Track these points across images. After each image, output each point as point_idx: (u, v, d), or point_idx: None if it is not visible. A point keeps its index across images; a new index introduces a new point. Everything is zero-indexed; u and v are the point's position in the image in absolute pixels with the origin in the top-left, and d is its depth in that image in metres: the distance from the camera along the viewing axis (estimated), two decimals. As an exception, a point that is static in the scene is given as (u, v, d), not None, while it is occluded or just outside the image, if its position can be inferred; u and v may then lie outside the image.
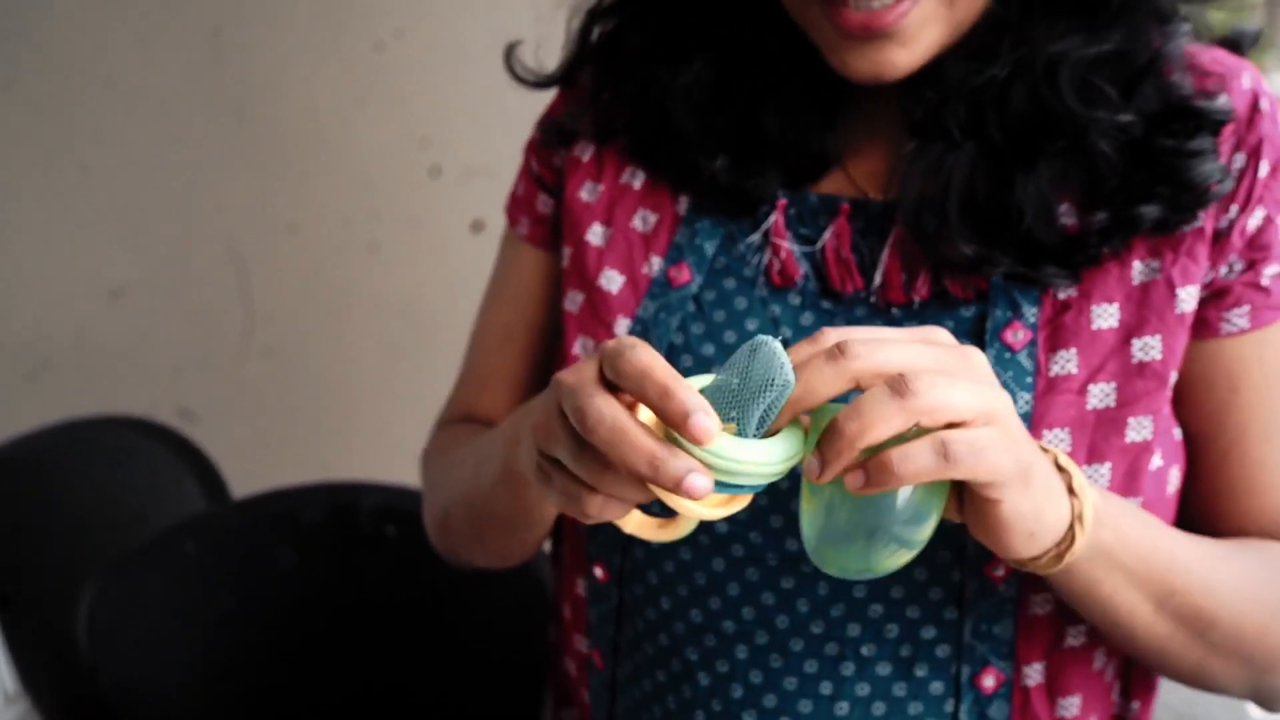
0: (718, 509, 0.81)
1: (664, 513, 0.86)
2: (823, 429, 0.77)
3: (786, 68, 1.08)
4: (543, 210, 1.27)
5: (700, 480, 0.73)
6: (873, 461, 0.75)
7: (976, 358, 0.81)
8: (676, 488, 0.74)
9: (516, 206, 1.32)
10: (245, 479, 3.28)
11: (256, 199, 3.20)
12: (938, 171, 1.02)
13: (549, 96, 1.39)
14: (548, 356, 1.25)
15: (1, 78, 3.16)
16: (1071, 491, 0.86)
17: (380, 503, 2.02)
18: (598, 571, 1.12)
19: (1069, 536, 0.86)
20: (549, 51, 1.33)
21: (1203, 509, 1.06)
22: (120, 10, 3.13)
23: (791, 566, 1.01)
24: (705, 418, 0.73)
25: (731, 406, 0.76)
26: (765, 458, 0.76)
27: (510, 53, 1.33)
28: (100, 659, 1.85)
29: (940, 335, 0.82)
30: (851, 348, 0.76)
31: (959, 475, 0.77)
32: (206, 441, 3.27)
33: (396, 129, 3.15)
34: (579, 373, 0.79)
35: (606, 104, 1.19)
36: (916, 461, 0.75)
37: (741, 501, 0.82)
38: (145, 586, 1.94)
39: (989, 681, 1.00)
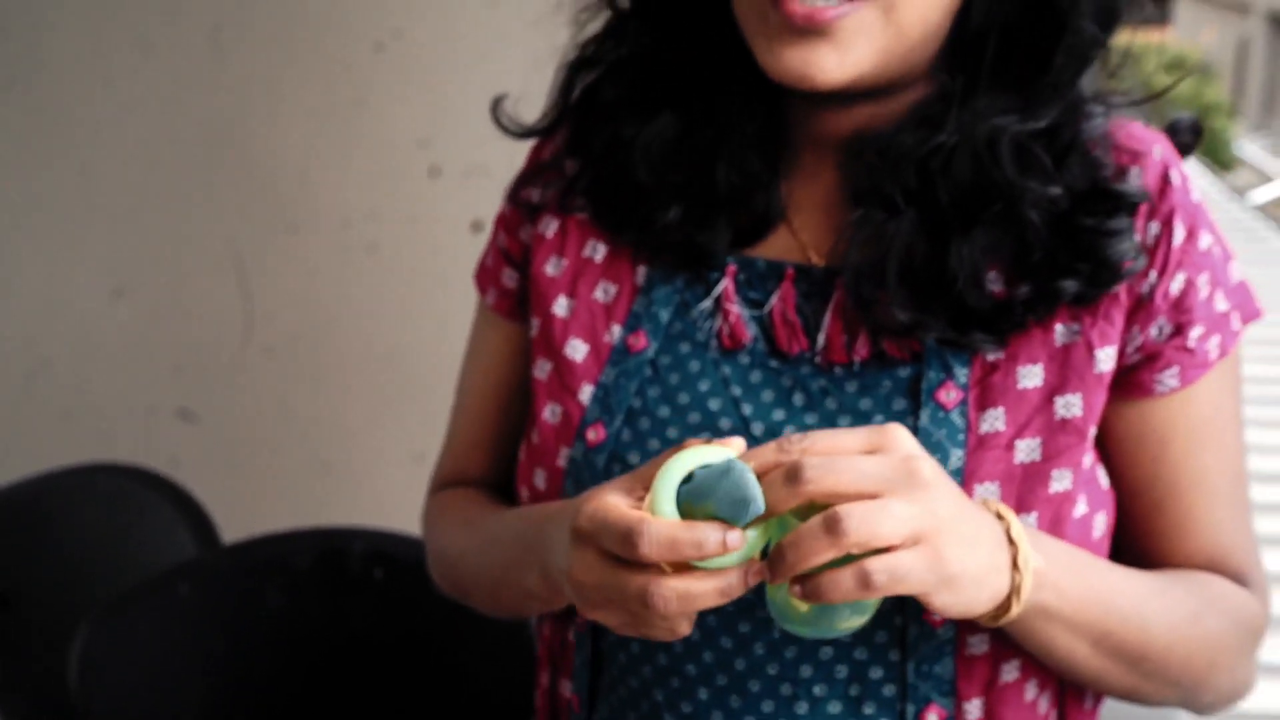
0: None
1: None
2: (774, 540, 0.92)
3: (740, 119, 1.16)
4: (508, 284, 1.34)
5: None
6: (809, 583, 0.89)
7: (925, 468, 0.91)
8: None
9: (485, 277, 1.39)
10: (247, 477, 3.31)
11: (256, 199, 3.19)
12: (879, 239, 1.10)
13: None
14: (524, 414, 1.31)
15: (1, 78, 3.16)
16: (1015, 566, 0.96)
17: (369, 547, 2.12)
18: (578, 621, 1.21)
19: (1006, 604, 0.97)
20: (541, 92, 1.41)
21: (1139, 550, 1.16)
22: (120, 10, 3.13)
23: (748, 613, 1.10)
24: (712, 543, 0.88)
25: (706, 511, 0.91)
26: (734, 558, 0.91)
27: (496, 105, 1.41)
28: (91, 701, 1.87)
29: (894, 438, 0.93)
30: (805, 472, 0.88)
31: (882, 595, 0.89)
32: (206, 442, 3.30)
33: (396, 129, 3.14)
34: (617, 579, 0.93)
35: (573, 176, 1.26)
36: (841, 587, 0.88)
37: None
38: (137, 628, 1.96)
39: (933, 718, 1.08)
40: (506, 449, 1.36)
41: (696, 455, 0.93)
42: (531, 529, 1.14)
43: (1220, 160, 22.81)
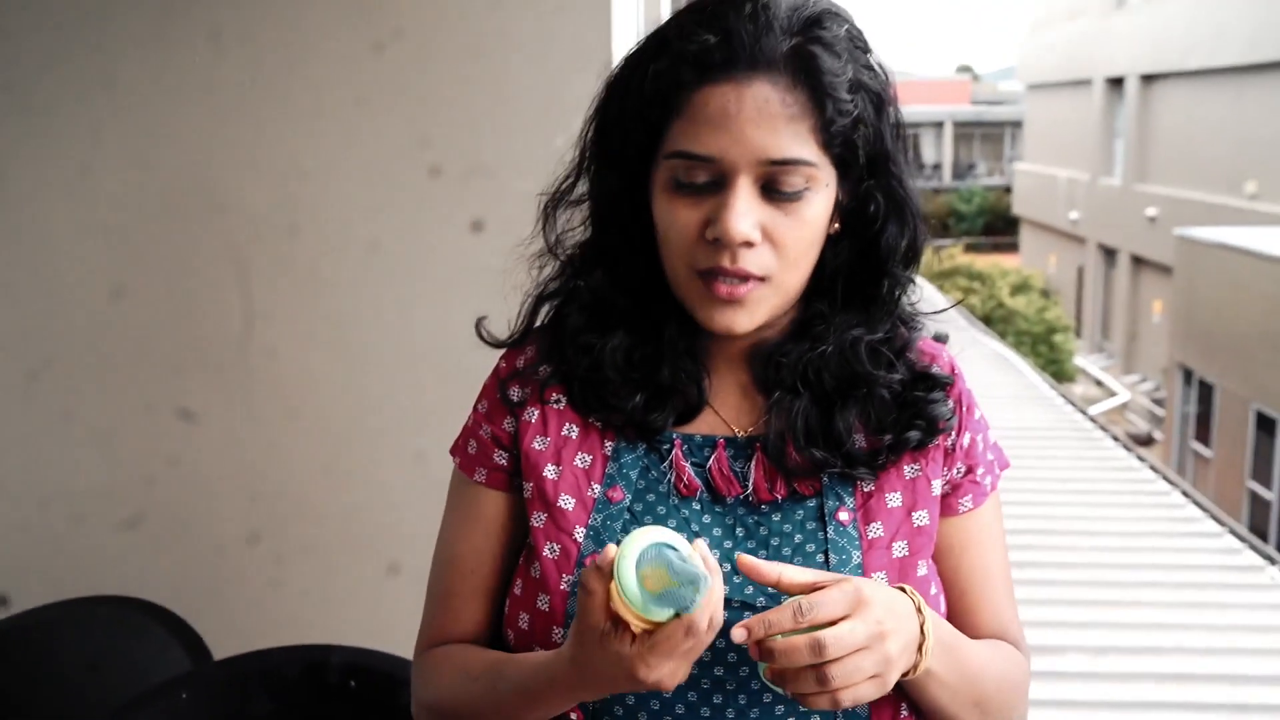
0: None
1: None
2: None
3: (675, 337, 1.62)
4: (499, 462, 1.68)
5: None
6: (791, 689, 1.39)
7: (892, 647, 1.39)
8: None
9: (470, 461, 1.70)
10: (245, 480, 3.31)
11: (256, 199, 3.20)
12: (787, 414, 1.58)
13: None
14: (508, 569, 1.68)
15: (1, 78, 3.16)
16: (920, 650, 1.44)
17: (346, 660, 2.45)
18: (573, 716, 1.57)
19: (910, 672, 1.45)
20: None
21: (954, 622, 1.61)
22: (120, 10, 3.13)
23: (719, 686, 1.53)
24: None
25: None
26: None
27: (479, 324, 1.73)
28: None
29: (868, 605, 1.38)
30: (827, 650, 1.34)
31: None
32: (205, 443, 3.30)
33: (396, 129, 3.15)
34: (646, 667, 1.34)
35: (546, 376, 1.66)
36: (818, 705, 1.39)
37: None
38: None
39: None
40: (488, 611, 1.69)
41: (653, 533, 1.33)
42: (567, 652, 1.45)
43: (1062, 374, 23.91)
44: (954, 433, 1.62)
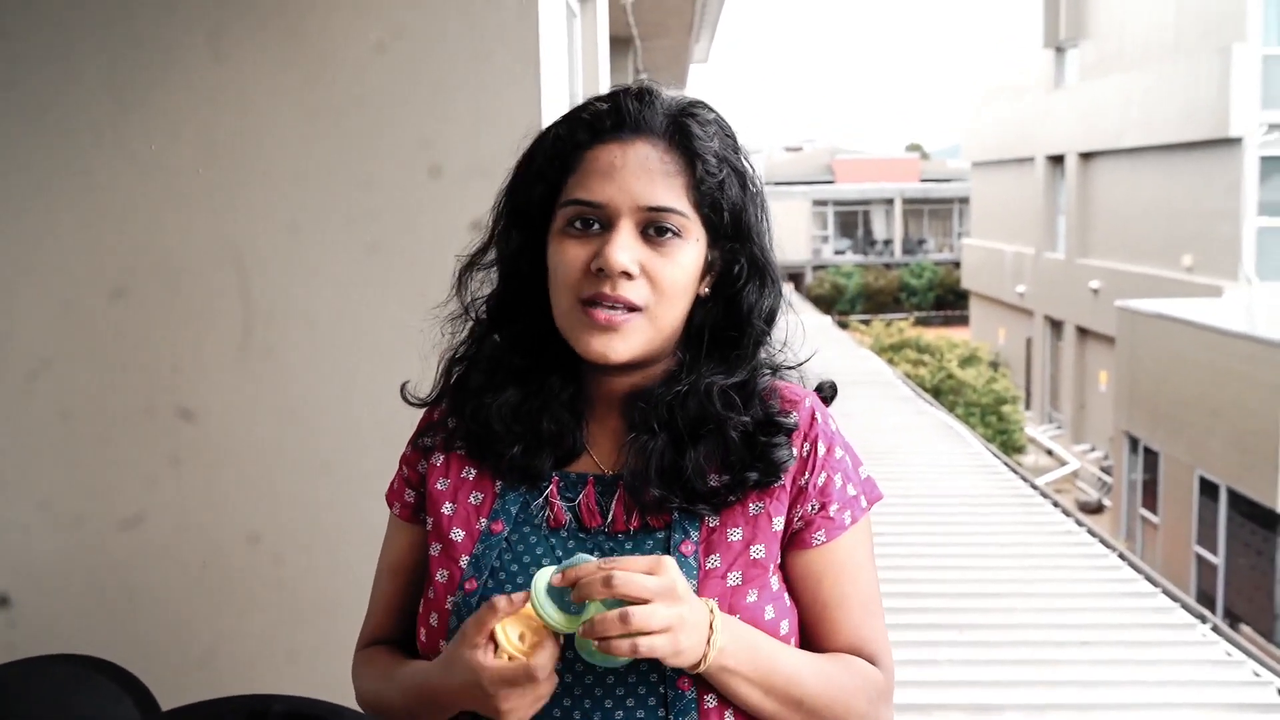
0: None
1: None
2: (588, 613, 1.59)
3: (557, 390, 1.84)
4: (409, 500, 1.96)
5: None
6: (602, 641, 1.57)
7: (679, 585, 1.60)
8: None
9: (393, 495, 1.99)
10: (245, 480, 3.31)
11: (256, 199, 3.21)
12: (644, 453, 1.77)
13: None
14: (417, 592, 1.91)
15: (1, 78, 3.17)
16: (708, 644, 1.63)
17: (287, 709, 2.65)
18: None
19: (699, 663, 1.64)
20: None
21: (814, 643, 1.83)
22: (120, 10, 3.15)
23: (577, 681, 1.73)
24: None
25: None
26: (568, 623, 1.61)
27: (403, 389, 2.04)
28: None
29: (665, 565, 1.60)
30: (614, 580, 1.56)
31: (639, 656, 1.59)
32: (205, 443, 3.30)
33: (396, 129, 3.17)
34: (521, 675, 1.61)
35: (452, 429, 1.90)
36: (620, 648, 1.56)
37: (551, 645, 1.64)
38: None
39: None
40: (412, 612, 1.91)
41: (553, 569, 1.62)
42: (437, 669, 1.74)
43: (1012, 444, 24.30)
44: (808, 472, 1.80)
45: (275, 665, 3.30)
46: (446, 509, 1.86)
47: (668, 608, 1.57)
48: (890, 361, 24.89)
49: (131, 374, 3.28)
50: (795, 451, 1.80)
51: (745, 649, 1.69)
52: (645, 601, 1.57)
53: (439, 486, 1.89)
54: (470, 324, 1.94)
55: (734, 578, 1.75)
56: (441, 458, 1.91)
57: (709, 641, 1.64)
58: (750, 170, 1.85)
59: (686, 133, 1.77)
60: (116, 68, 3.16)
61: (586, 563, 1.61)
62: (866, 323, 38.34)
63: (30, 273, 3.25)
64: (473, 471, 1.88)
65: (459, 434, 1.90)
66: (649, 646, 1.57)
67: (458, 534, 1.83)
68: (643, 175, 1.74)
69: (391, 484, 2.01)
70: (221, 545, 3.32)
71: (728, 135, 1.84)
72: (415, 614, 1.90)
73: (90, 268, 3.25)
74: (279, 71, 3.16)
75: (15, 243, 3.24)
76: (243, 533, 3.30)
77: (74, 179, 3.20)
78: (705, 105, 1.84)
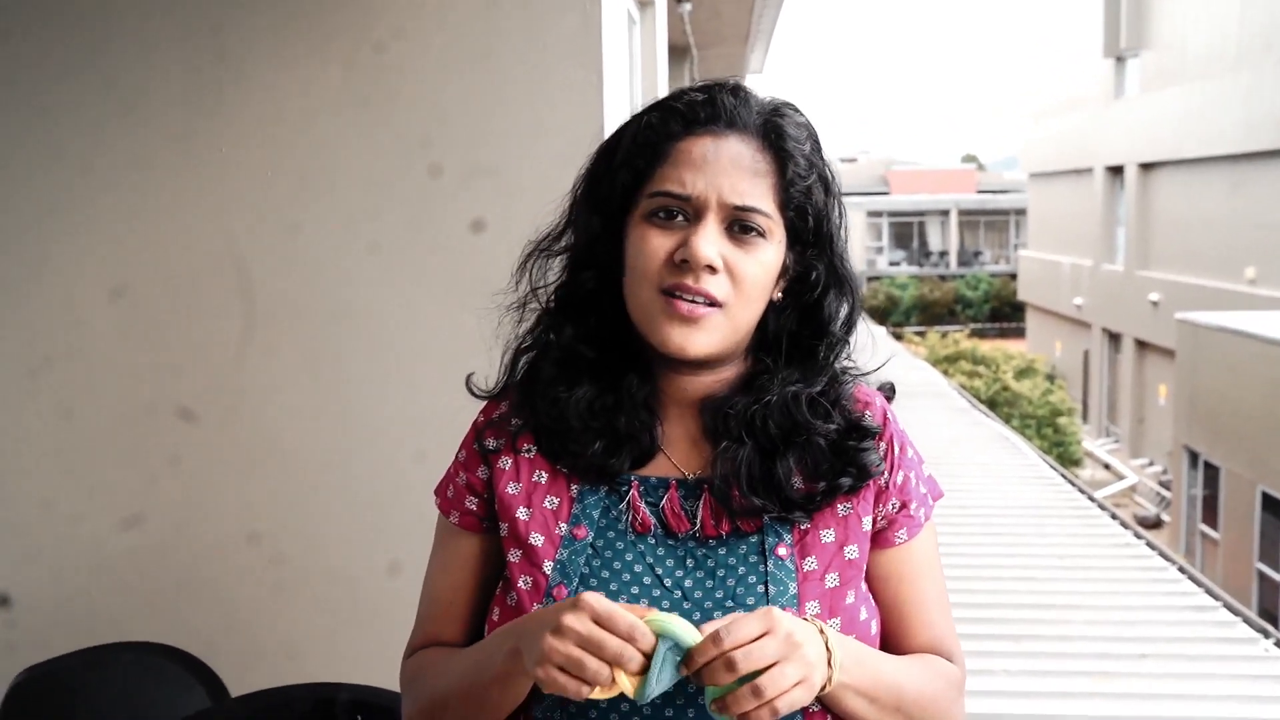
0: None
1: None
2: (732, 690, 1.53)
3: (632, 388, 1.80)
4: (470, 508, 1.87)
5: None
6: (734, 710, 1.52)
7: (797, 633, 1.54)
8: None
9: (449, 503, 1.91)
10: (245, 480, 3.30)
11: (256, 199, 3.21)
12: (733, 460, 1.75)
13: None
14: (482, 599, 1.88)
15: (1, 77, 3.18)
16: (829, 665, 1.59)
17: (353, 697, 2.63)
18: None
19: (824, 686, 1.59)
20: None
21: (893, 642, 1.84)
22: (120, 10, 3.15)
23: (659, 711, 1.69)
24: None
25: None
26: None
27: (469, 380, 1.91)
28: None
29: (776, 621, 1.53)
30: (738, 663, 1.49)
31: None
32: (205, 443, 3.30)
33: (396, 129, 3.17)
34: (583, 627, 1.52)
35: (519, 425, 1.84)
36: (762, 718, 1.52)
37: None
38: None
39: None
40: (475, 622, 1.88)
41: (676, 626, 1.53)
42: (511, 626, 1.70)
43: (1068, 457, 24.06)
44: (887, 472, 1.81)
45: (274, 664, 3.28)
46: (522, 514, 1.80)
47: (794, 665, 1.54)
48: (945, 373, 24.81)
49: (131, 374, 3.28)
50: (882, 454, 1.81)
51: (855, 662, 1.68)
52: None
53: (510, 491, 1.83)
54: (537, 313, 1.88)
55: (832, 579, 1.75)
56: (509, 460, 1.85)
57: (829, 663, 1.62)
58: (834, 177, 1.83)
59: (780, 133, 1.76)
60: (117, 67, 3.17)
61: (692, 634, 1.53)
62: (921, 334, 38.25)
63: (30, 272, 3.26)
64: (544, 474, 1.83)
65: (525, 433, 1.85)
66: (789, 704, 1.54)
67: (537, 539, 1.78)
68: (734, 171, 1.73)
69: (443, 489, 1.93)
70: (221, 545, 3.32)
71: (816, 140, 1.82)
72: (475, 621, 1.89)
73: (90, 268, 3.25)
74: (279, 71, 3.17)
75: (15, 242, 3.25)
76: (243, 533, 3.30)
77: (74, 179, 3.21)
78: (796, 108, 1.82)
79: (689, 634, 1.52)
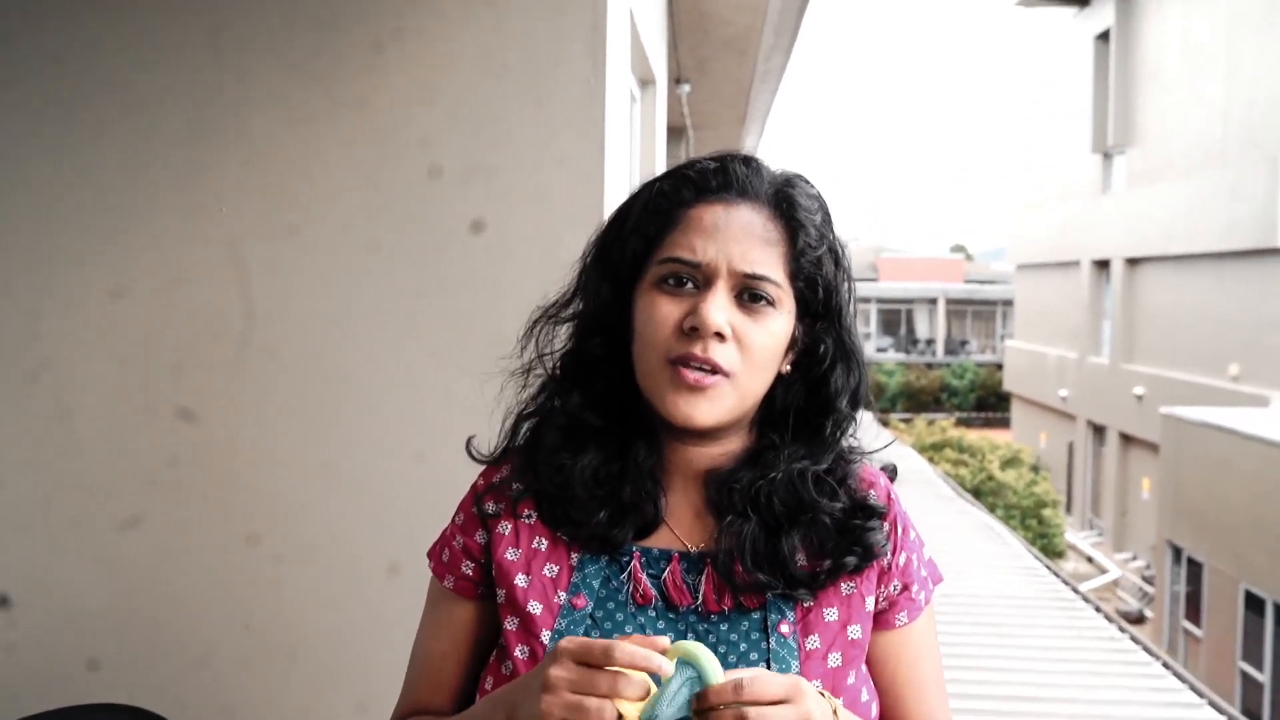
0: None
1: None
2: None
3: (638, 457, 1.78)
4: (466, 573, 1.85)
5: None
6: None
7: (814, 711, 1.50)
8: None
9: (443, 567, 1.88)
10: (245, 480, 3.30)
11: (256, 199, 3.22)
12: (737, 535, 1.73)
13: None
14: (473, 666, 1.87)
15: (1, 78, 3.19)
16: None
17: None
18: None
19: None
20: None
21: (891, 717, 1.84)
22: (120, 10, 3.16)
23: None
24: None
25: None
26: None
27: (469, 444, 1.90)
28: None
29: (800, 690, 1.50)
30: (749, 715, 1.45)
31: None
32: (205, 443, 3.30)
33: (396, 129, 3.17)
34: (570, 673, 1.49)
35: (520, 491, 1.82)
36: None
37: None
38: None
39: None
40: (466, 689, 1.87)
41: (704, 658, 1.49)
42: (499, 696, 1.68)
43: (1052, 548, 24.15)
44: (891, 553, 1.80)
45: (274, 665, 3.28)
46: (520, 580, 1.78)
47: (795, 709, 1.50)
48: (931, 460, 24.82)
49: (131, 374, 3.28)
50: (886, 534, 1.80)
51: None
52: None
53: (509, 557, 1.80)
54: (541, 379, 1.87)
55: (834, 659, 1.74)
56: (509, 526, 1.82)
57: None
58: (843, 250, 1.82)
59: (791, 203, 1.76)
60: (116, 67, 3.18)
61: (716, 673, 1.50)
62: (908, 421, 38.23)
63: (30, 272, 3.26)
64: (544, 541, 1.80)
65: (526, 498, 1.82)
66: None
67: (535, 607, 1.75)
68: (745, 239, 1.72)
69: (438, 553, 1.91)
70: (221, 545, 3.31)
71: (827, 212, 1.82)
72: (465, 688, 1.87)
73: (90, 267, 3.25)
74: (279, 71, 3.18)
75: (15, 242, 3.25)
76: (243, 533, 3.29)
77: (74, 179, 3.21)
78: (807, 180, 1.82)
79: (714, 671, 1.49)
